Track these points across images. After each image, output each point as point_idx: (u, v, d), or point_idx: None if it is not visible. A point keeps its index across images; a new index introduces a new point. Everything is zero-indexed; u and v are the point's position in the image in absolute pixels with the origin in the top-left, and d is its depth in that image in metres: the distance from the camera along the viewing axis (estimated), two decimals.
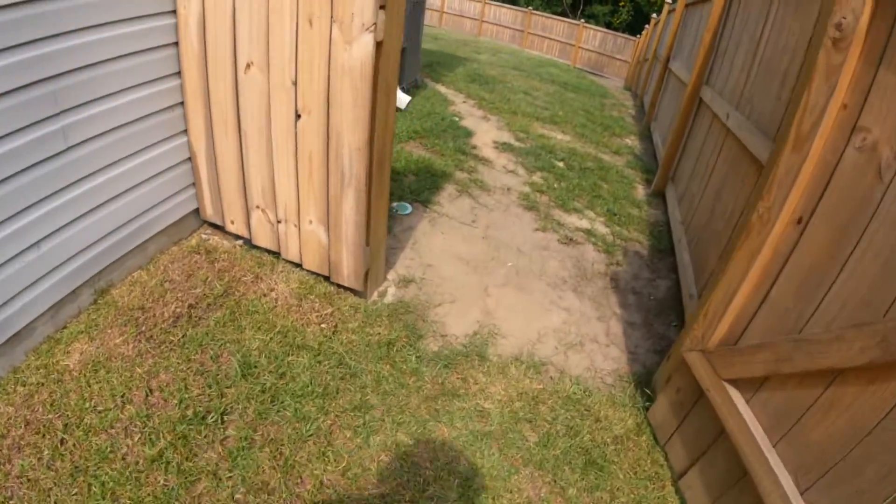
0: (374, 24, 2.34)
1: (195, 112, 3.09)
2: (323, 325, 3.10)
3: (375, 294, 3.50)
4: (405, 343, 3.03)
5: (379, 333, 3.11)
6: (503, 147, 6.38)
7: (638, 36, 18.89)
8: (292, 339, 2.85)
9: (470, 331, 3.32)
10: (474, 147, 6.16)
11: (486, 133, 6.80)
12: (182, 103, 3.09)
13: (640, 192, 6.16)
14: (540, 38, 22.59)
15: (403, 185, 4.79)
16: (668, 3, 11.84)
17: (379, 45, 2.45)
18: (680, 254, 4.44)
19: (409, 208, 4.48)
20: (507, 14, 23.72)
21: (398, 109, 6.55)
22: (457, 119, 6.98)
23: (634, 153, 7.72)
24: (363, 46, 2.41)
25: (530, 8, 23.43)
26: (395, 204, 4.48)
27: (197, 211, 3.51)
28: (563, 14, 25.74)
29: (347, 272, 3.22)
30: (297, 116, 2.79)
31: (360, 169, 2.75)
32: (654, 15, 15.33)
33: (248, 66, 2.81)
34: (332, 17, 2.42)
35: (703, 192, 4.45)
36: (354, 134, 2.65)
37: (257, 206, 3.30)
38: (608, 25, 24.99)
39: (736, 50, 4.47)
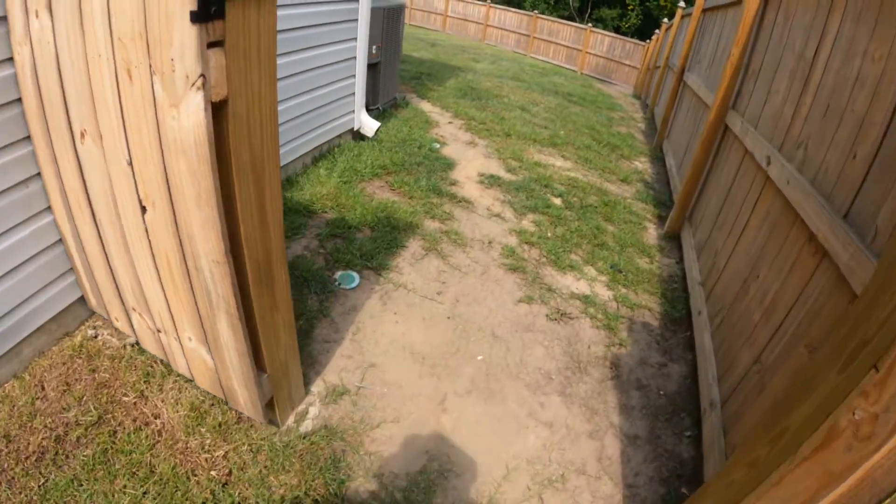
0: (202, 75, 1.37)
1: (52, 186, 2.22)
2: (213, 473, 2.21)
3: (292, 418, 2.58)
4: (321, 498, 2.11)
5: (286, 484, 2.22)
6: (489, 181, 5.41)
7: (647, 41, 17.85)
8: (171, 494, 2.05)
9: (415, 467, 2.41)
10: (454, 183, 5.19)
11: (471, 163, 5.82)
12: (39, 174, 2.20)
13: (652, 233, 5.16)
14: (546, 42, 21.66)
15: (353, 246, 3.83)
16: (680, 7, 10.81)
17: (221, 107, 1.48)
18: (699, 333, 3.46)
19: (356, 280, 3.53)
20: (512, 18, 22.82)
21: (364, 138, 5.58)
22: (437, 146, 6.02)
23: (645, 180, 6.71)
24: (193, 111, 1.45)
25: (536, 12, 22.46)
26: (338, 275, 3.53)
27: (83, 298, 2.65)
28: (570, 18, 24.74)
29: (244, 400, 2.32)
30: (143, 209, 1.86)
31: (225, 288, 1.80)
32: (666, 20, 14.30)
33: (82, 134, 1.92)
34: (150, 65, 1.48)
35: (731, 251, 3.46)
36: (207, 241, 1.71)
37: (133, 309, 2.44)
38: (616, 30, 23.97)
39: (775, 71, 3.47)
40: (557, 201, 5.29)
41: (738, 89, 4.36)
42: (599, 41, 19.82)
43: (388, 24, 6.08)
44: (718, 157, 4.54)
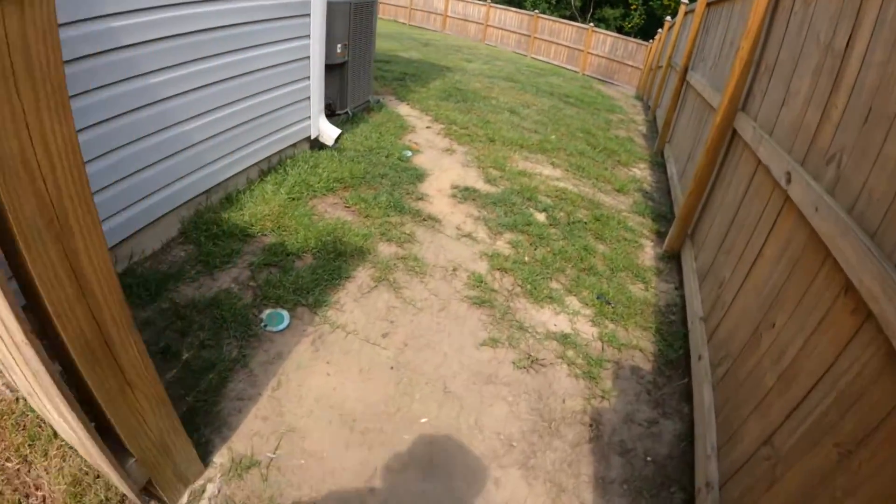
0: None
1: None
2: None
3: (185, 497, 2.06)
4: None
5: None
6: (464, 195, 4.79)
7: (650, 41, 17.21)
8: None
9: None
10: (421, 198, 4.57)
11: (445, 174, 5.20)
12: None
13: (649, 252, 4.54)
14: (547, 43, 21.10)
15: (289, 278, 3.23)
16: (684, 2, 10.18)
17: None
18: (698, 383, 2.87)
19: (286, 320, 2.92)
20: (513, 18, 22.28)
21: (323, 147, 4.97)
22: (409, 154, 5.41)
23: (643, 189, 6.07)
24: None
25: (537, 12, 21.88)
26: (264, 314, 2.93)
27: None
28: (572, 18, 24.11)
29: (117, 482, 1.80)
30: None
31: (40, 372, 1.25)
32: (669, 18, 13.65)
33: None
34: None
35: (739, 285, 2.85)
36: (8, 321, 1.19)
37: (6, 367, 1.92)
38: (619, 30, 23.32)
39: (794, 67, 2.84)
40: (541, 217, 4.66)
41: (748, 88, 3.74)
42: (601, 41, 19.21)
43: (356, 20, 5.48)
44: (725, 167, 3.91)
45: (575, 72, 19.71)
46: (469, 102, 7.61)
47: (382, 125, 5.97)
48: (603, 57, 19.21)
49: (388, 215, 4.09)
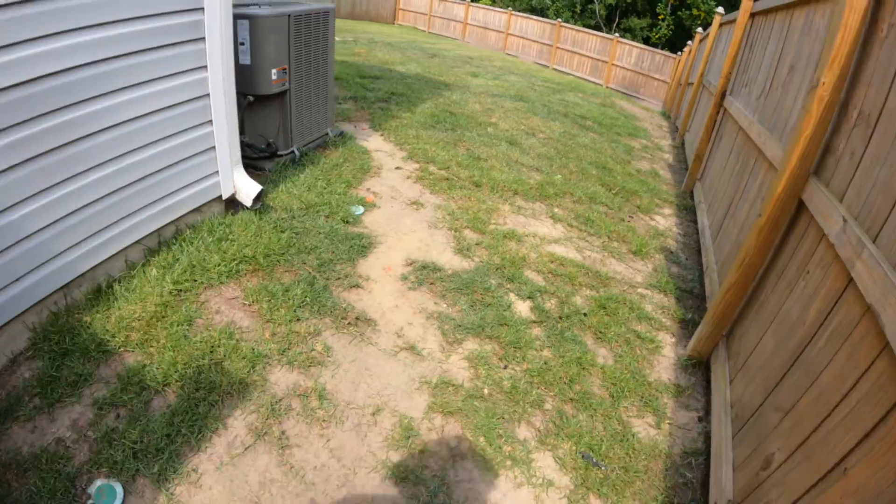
0: None
1: None
2: None
3: None
4: None
5: None
6: (420, 275, 3.57)
7: (679, 53, 15.84)
8: None
9: None
10: (357, 284, 3.37)
11: (403, 240, 3.99)
12: None
13: (668, 354, 3.30)
14: (570, 53, 19.96)
15: (134, 430, 2.12)
16: (719, 13, 8.84)
17: None
18: None
19: (118, 499, 1.91)
20: (535, 27, 21.19)
21: (242, 208, 3.79)
22: (360, 211, 4.21)
23: (667, 247, 4.80)
24: None
25: (559, 20, 20.65)
26: (93, 488, 2.08)
27: None
28: (597, 27, 22.76)
29: None
30: None
31: None
32: (700, 30, 12.28)
33: None
34: None
35: (805, 488, 1.58)
36: None
37: None
38: (646, 41, 21.89)
39: None
40: (523, 308, 3.42)
41: (826, 144, 2.47)
42: (627, 52, 17.93)
43: (298, 36, 4.34)
44: (786, 256, 2.64)
45: (598, 84, 18.45)
46: (460, 131, 6.38)
47: (337, 168, 4.77)
48: (628, 69, 17.92)
49: (299, 318, 2.90)
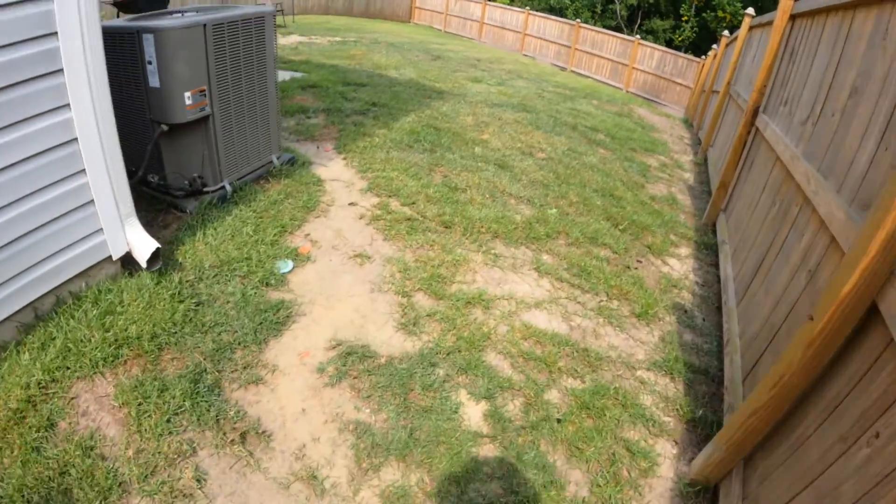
0: None
1: None
2: None
3: None
4: None
5: None
6: (345, 364, 2.72)
7: (703, 57, 14.75)
8: None
9: None
10: (259, 378, 2.55)
11: (333, 310, 3.12)
12: None
13: (666, 473, 2.42)
14: (588, 55, 18.98)
15: None
16: (748, 13, 7.82)
17: None
18: None
19: None
20: (553, 27, 20.22)
21: (141, 270, 2.94)
22: (286, 268, 3.36)
23: (680, 304, 3.87)
24: None
25: (578, 21, 19.63)
26: None
27: None
28: (618, 29, 21.67)
29: None
30: None
31: None
32: (726, 33, 11.21)
33: None
34: None
35: None
36: None
37: None
38: (668, 43, 20.74)
39: None
40: (474, 414, 2.52)
41: None
42: (648, 55, 16.87)
43: (221, 51, 3.51)
44: (837, 383, 1.74)
45: (617, 88, 17.43)
46: (440, 152, 5.46)
47: (274, 206, 3.92)
48: (649, 73, 16.86)
49: (173, 429, 2.09)
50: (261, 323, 2.81)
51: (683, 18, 20.74)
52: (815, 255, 2.46)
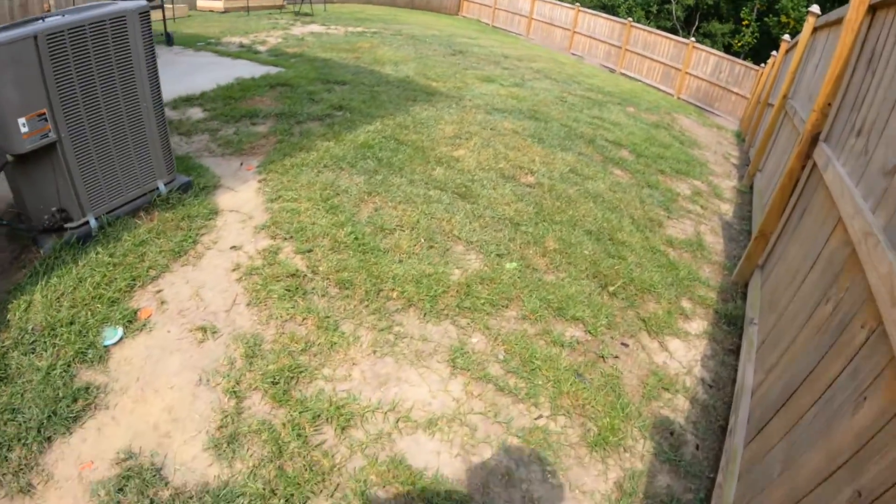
0: None
1: None
2: None
3: None
4: None
5: None
6: (124, 490, 1.79)
7: (762, 66, 13.01)
8: None
9: None
10: (29, 486, 1.76)
11: (142, 405, 2.17)
12: None
13: None
14: (640, 57, 17.45)
15: None
16: (812, 12, 6.30)
17: None
18: None
19: None
20: (604, 25, 18.73)
21: None
22: (109, 340, 2.45)
23: (667, 426, 2.60)
24: None
25: (630, 20, 18.04)
26: None
27: None
28: (673, 31, 19.90)
29: None
30: None
31: None
32: (787, 37, 9.57)
33: None
34: None
35: None
36: None
37: None
38: (727, 48, 18.87)
39: None
40: None
41: None
42: (703, 60, 15.21)
43: (64, 65, 2.67)
44: None
45: (668, 94, 15.86)
46: (385, 174, 4.25)
47: (137, 249, 2.97)
48: (703, 79, 15.20)
49: None
50: (50, 415, 2.12)
51: (744, 23, 18.83)
52: None
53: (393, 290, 2.96)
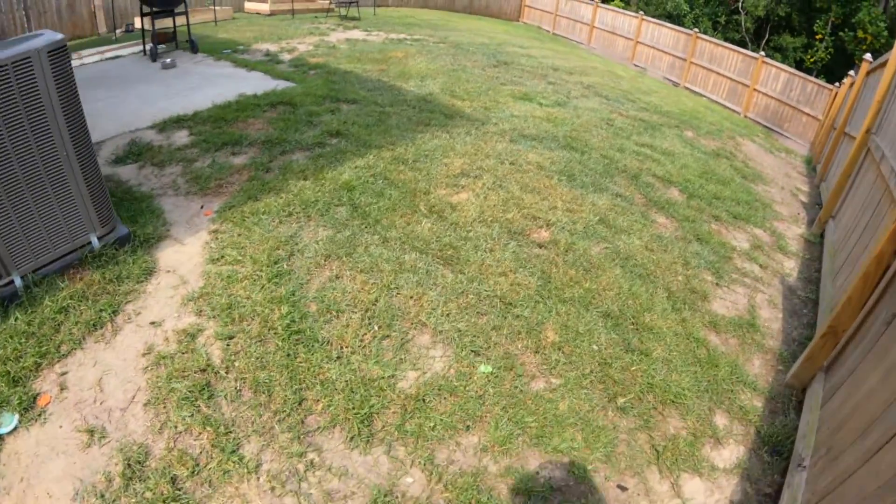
0: None
1: None
2: None
3: None
4: None
5: None
6: None
7: (836, 85, 11.63)
8: None
9: None
10: None
11: None
12: None
13: None
14: (705, 71, 16.26)
15: None
16: None
17: None
18: None
19: None
20: (668, 36, 17.58)
21: None
22: (7, 426, 1.88)
23: None
24: None
25: (696, 31, 16.79)
26: None
27: None
28: (742, 43, 18.43)
29: None
30: None
31: None
32: (868, 56, 8.29)
33: None
34: None
35: None
36: None
37: None
38: (798, 65, 17.27)
39: None
40: None
41: None
42: (773, 76, 13.90)
43: None
44: None
45: (735, 112, 14.63)
46: (355, 228, 3.51)
47: (56, 317, 2.61)
48: (772, 97, 13.90)
49: None
50: None
51: (817, 37, 17.22)
52: None
53: (318, 400, 2.28)
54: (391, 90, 6.91)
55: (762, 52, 15.11)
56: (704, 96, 16.00)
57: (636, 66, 18.27)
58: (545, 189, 4.83)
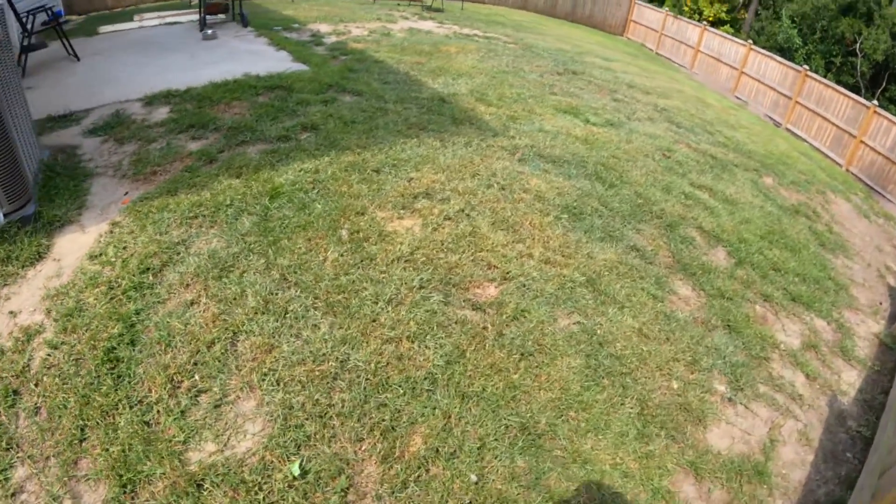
0: None
1: None
2: None
3: None
4: None
5: None
6: None
7: None
8: None
9: None
10: None
11: None
12: None
13: None
14: (811, 114, 14.59)
15: None
16: None
17: None
18: None
19: None
20: (775, 70, 15.90)
21: None
22: None
23: None
24: None
25: (806, 68, 15.00)
26: None
27: None
28: (855, 89, 16.39)
29: None
30: None
31: None
32: None
33: None
34: None
35: None
36: None
37: None
38: None
39: None
40: None
41: None
42: (884, 130, 12.18)
43: None
44: None
45: (836, 164, 12.96)
46: (258, 251, 2.78)
47: None
48: (880, 153, 12.20)
49: None
50: None
51: None
52: None
53: (97, 445, 1.68)
54: (410, 85, 6.17)
55: (875, 102, 13.19)
56: (806, 141, 14.31)
57: (738, 98, 16.73)
58: (528, 228, 3.87)
